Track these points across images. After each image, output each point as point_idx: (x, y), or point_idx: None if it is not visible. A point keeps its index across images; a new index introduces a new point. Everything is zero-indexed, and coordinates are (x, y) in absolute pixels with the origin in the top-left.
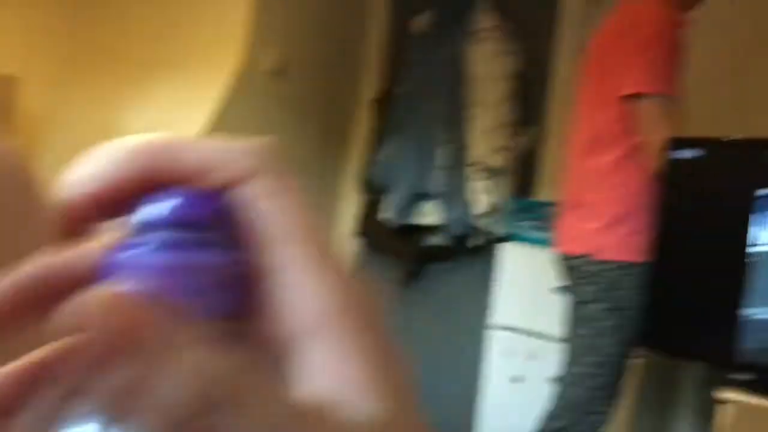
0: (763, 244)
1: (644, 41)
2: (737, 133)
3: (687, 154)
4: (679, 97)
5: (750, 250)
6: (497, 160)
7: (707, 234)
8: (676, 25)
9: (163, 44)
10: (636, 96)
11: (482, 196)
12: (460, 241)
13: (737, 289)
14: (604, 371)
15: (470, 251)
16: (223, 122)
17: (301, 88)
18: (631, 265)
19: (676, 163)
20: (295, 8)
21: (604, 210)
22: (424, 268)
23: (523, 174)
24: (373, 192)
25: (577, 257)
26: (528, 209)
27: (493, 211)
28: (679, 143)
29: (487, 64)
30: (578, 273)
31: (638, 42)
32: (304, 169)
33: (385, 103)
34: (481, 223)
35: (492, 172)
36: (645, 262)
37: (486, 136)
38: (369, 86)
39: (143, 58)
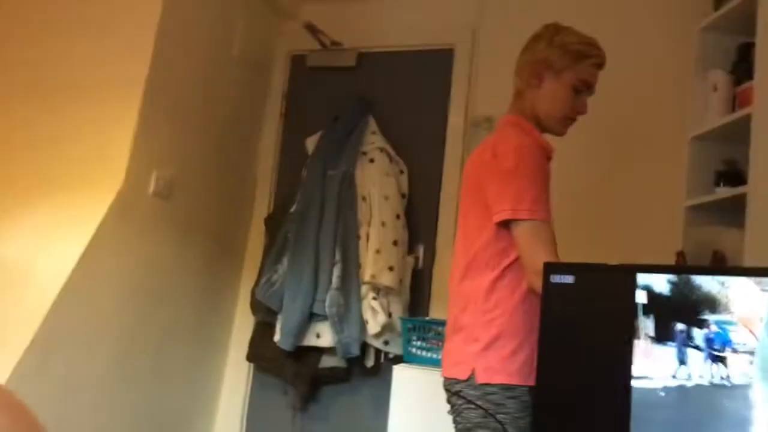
0: (641, 377)
1: (509, 170)
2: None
3: (561, 279)
4: (549, 220)
5: (631, 375)
6: (389, 280)
7: (587, 359)
8: (539, 151)
9: (44, 165)
10: (508, 222)
11: (375, 316)
12: (354, 362)
13: (620, 417)
14: None
15: (365, 372)
16: (105, 245)
17: (188, 209)
18: (513, 388)
19: (552, 289)
20: (181, 129)
21: (481, 333)
22: (319, 390)
23: (414, 293)
24: (265, 314)
25: (459, 381)
26: (420, 328)
27: (386, 330)
28: (552, 268)
29: (376, 184)
30: (461, 397)
31: (504, 171)
32: (193, 292)
33: (277, 223)
34: (375, 343)
35: (384, 292)
36: (527, 385)
37: (377, 256)
38: (261, 206)
39: (25, 179)
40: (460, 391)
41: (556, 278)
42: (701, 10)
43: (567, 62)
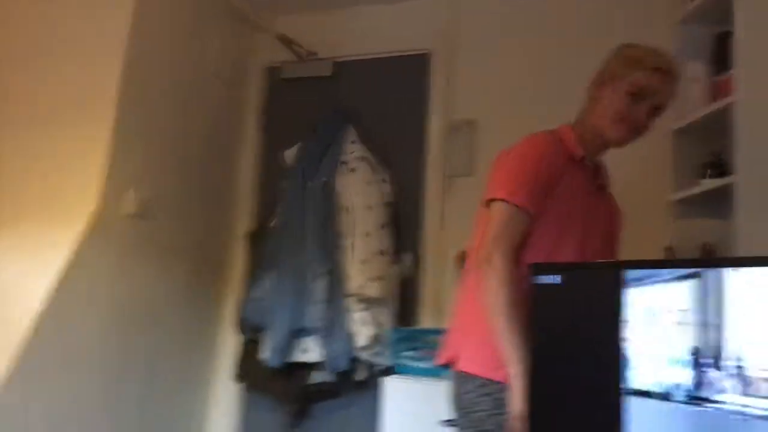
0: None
1: (510, 161)
2: None
3: (549, 279)
4: (529, 209)
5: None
6: (375, 290)
7: (578, 359)
8: (551, 148)
9: (17, 191)
10: (490, 202)
11: (363, 328)
12: (344, 376)
13: (613, 416)
14: None
15: (356, 386)
16: (83, 268)
17: (168, 228)
18: (488, 381)
19: (540, 290)
20: (157, 148)
21: (463, 318)
22: (309, 407)
23: (402, 303)
24: (251, 331)
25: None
26: (410, 338)
27: (375, 342)
28: (539, 269)
29: (358, 193)
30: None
31: (505, 162)
32: (177, 313)
33: (259, 238)
34: (364, 356)
35: (371, 303)
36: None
37: (362, 266)
38: (242, 221)
39: None
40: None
41: (543, 279)
42: (676, 2)
43: (625, 70)
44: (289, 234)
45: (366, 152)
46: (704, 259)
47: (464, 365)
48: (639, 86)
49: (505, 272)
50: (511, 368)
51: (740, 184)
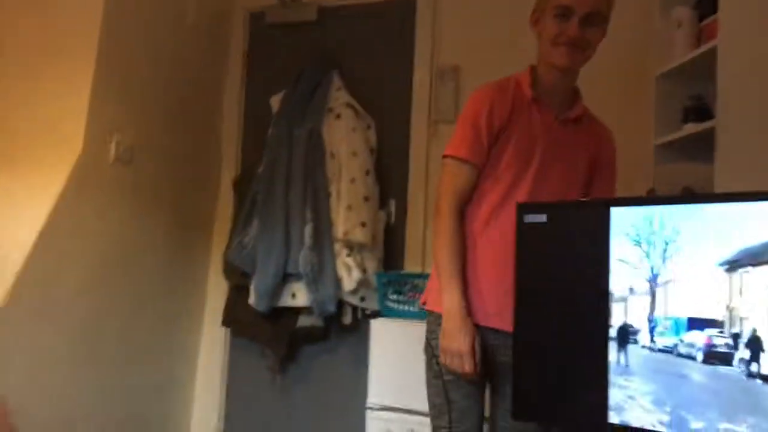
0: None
1: (459, 117)
2: None
3: (534, 218)
4: (469, 158)
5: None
6: (361, 235)
7: (564, 298)
8: (491, 94)
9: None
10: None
11: (350, 273)
12: (331, 320)
13: (598, 353)
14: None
15: (343, 330)
16: (66, 216)
17: (152, 174)
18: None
19: (525, 229)
20: (139, 94)
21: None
22: (297, 351)
23: (388, 248)
24: (239, 278)
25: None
26: (395, 282)
27: (362, 286)
28: (525, 208)
29: (343, 140)
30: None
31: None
32: (162, 260)
33: (245, 185)
34: (351, 300)
35: (357, 248)
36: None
37: (348, 212)
38: (228, 168)
39: None
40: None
41: (528, 218)
42: None
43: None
44: (276, 180)
45: (351, 99)
46: (685, 196)
47: (428, 303)
48: (559, 5)
49: (450, 219)
50: (444, 305)
51: (721, 128)
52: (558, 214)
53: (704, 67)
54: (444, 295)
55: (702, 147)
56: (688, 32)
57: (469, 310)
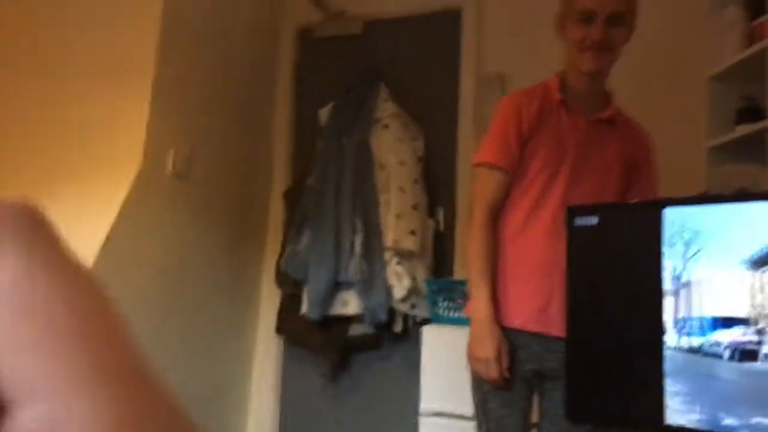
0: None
1: (492, 123)
2: None
3: (585, 221)
4: (502, 167)
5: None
6: (411, 244)
7: (616, 301)
8: (519, 99)
9: (61, 153)
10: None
11: (400, 281)
12: (382, 328)
13: (653, 359)
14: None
15: (394, 337)
16: (127, 229)
17: (207, 187)
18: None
19: (576, 232)
20: (195, 108)
21: None
22: (349, 359)
23: (437, 255)
24: (291, 286)
25: None
26: (445, 289)
27: (412, 294)
28: (576, 211)
29: (392, 150)
30: None
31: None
32: (218, 269)
33: (296, 196)
34: (402, 308)
35: (407, 256)
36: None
37: (398, 221)
38: (279, 180)
39: (42, 168)
40: None
41: (579, 221)
42: None
43: (567, 3)
44: (326, 191)
45: (398, 109)
46: (741, 194)
47: (466, 311)
48: (582, 10)
49: (483, 227)
50: (472, 311)
51: None
52: (610, 215)
53: (756, 68)
54: (472, 302)
55: (756, 149)
56: (740, 32)
57: (497, 317)
